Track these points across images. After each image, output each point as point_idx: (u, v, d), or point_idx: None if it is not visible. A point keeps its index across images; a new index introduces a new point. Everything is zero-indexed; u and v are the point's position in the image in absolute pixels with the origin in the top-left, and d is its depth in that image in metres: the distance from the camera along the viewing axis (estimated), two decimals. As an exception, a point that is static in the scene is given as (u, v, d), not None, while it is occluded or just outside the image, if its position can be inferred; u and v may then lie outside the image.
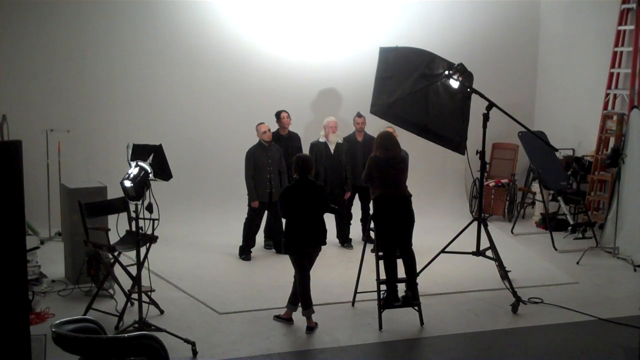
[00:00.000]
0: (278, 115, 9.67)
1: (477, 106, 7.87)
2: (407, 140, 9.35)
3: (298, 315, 6.86)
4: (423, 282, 7.54)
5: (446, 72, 7.65)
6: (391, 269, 6.89)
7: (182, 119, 11.19)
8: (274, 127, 9.66)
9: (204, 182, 11.29)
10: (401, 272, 7.01)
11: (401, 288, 7.03)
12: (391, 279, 6.88)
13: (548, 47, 12.44)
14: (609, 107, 10.97)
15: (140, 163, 6.06)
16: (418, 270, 7.45)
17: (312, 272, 6.86)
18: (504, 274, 7.82)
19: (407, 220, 6.95)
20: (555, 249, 9.79)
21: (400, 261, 7.00)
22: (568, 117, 11.92)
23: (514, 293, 7.40)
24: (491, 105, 7.58)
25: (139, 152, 6.15)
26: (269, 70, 11.42)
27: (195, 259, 9.10)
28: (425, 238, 9.51)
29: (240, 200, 9.36)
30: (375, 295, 6.95)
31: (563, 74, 12.09)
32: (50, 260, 8.57)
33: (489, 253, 7.80)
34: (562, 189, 10.43)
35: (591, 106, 11.32)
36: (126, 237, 7.22)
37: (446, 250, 7.89)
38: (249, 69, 11.37)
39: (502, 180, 11.76)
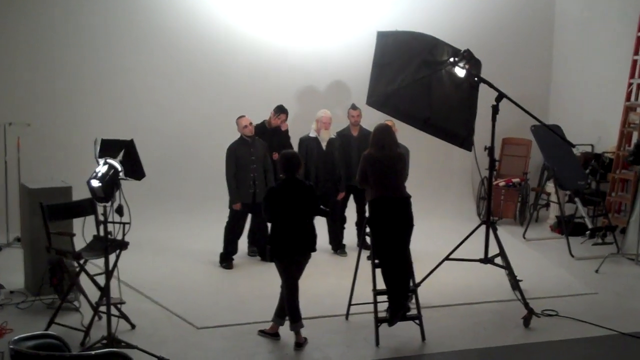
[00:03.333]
0: (278, 110, 9.68)
1: (485, 97, 7.87)
2: (408, 135, 9.36)
3: (285, 330, 6.85)
4: (425, 293, 7.55)
5: (451, 59, 7.65)
6: (391, 278, 6.88)
7: (156, 111, 11.18)
8: (261, 119, 9.65)
9: (182, 181, 11.29)
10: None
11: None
12: (391, 289, 6.87)
13: (564, 32, 12.48)
14: (632, 98, 11.01)
15: (109, 160, 6.05)
16: (420, 280, 7.46)
17: (301, 282, 6.86)
18: (514, 283, 7.83)
19: (404, 224, 6.95)
20: (572, 256, 9.82)
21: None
22: (586, 109, 11.95)
23: (526, 305, 7.41)
24: (501, 96, 7.59)
25: (108, 148, 6.13)
26: (255, 58, 11.42)
27: (170, 267, 9.09)
28: (427, 243, 9.52)
29: (222, 202, 9.35)
30: (371, 308, 6.95)
31: (581, 61, 12.13)
32: (8, 269, 8.55)
33: (499, 260, 7.81)
34: (579, 189, 10.47)
35: (612, 97, 11.36)
36: (93, 243, 7.19)
37: (451, 257, 7.89)
38: (232, 56, 11.38)
39: (513, 180, 11.80)
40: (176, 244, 10.07)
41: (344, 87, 11.61)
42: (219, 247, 9.23)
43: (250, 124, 9.18)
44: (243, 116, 9.23)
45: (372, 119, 9.45)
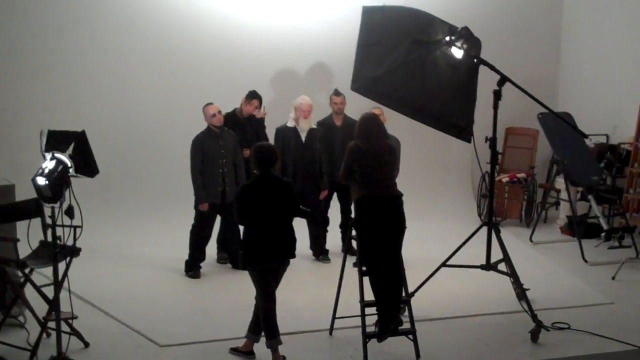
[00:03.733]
0: (250, 96, 9.67)
1: (486, 81, 7.90)
2: (398, 125, 9.38)
3: (261, 348, 6.84)
4: (419, 304, 7.56)
5: (447, 38, 7.66)
6: (381, 288, 6.88)
7: (111, 99, 11.13)
8: (231, 107, 9.63)
9: (141, 179, 11.24)
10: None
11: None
12: (381, 300, 6.86)
13: (575, 7, 12.51)
14: (652, 82, 11.07)
15: (57, 155, 6.01)
16: (413, 289, 7.46)
17: (278, 293, 6.84)
18: (520, 292, 7.85)
19: (395, 226, 6.95)
20: (585, 261, 9.87)
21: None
22: (600, 95, 11.99)
23: (534, 317, 7.43)
24: (504, 79, 7.61)
25: (56, 140, 6.10)
26: (223, 36, 11.40)
27: (129, 277, 9.05)
28: (421, 248, 9.53)
29: (187, 202, 9.33)
30: (358, 321, 6.94)
31: (594, 41, 12.17)
32: (-57, 280, 8.48)
33: (502, 267, 7.83)
34: (593, 185, 10.50)
35: (629, 81, 11.40)
36: (40, 250, 7.16)
37: (448, 263, 7.91)
38: (197, 35, 11.34)
39: (519, 175, 11.83)
40: (135, 251, 10.03)
41: (325, 70, 11.59)
42: (184, 254, 9.20)
43: (219, 112, 9.14)
44: (210, 104, 9.19)
45: (357, 106, 9.45)
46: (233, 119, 9.56)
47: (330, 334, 7.40)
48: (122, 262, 9.59)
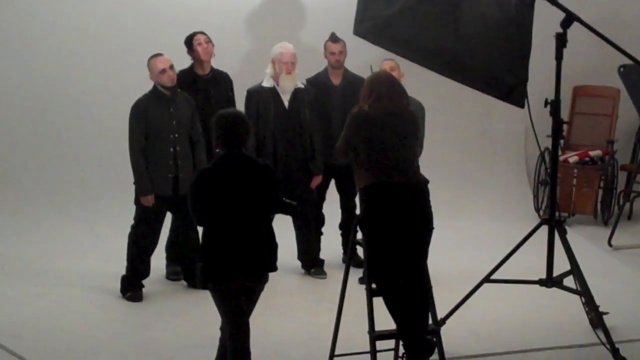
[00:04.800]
0: (189, 41, 9.63)
1: (545, 22, 7.89)
2: (421, 84, 9.41)
3: (229, 399, 6.86)
4: (455, 333, 7.58)
5: (489, -39, 7.67)
6: (403, 310, 6.88)
7: (14, 55, 11.12)
8: (185, 62, 9.64)
9: (60, 164, 11.25)
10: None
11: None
12: (406, 328, 6.86)
13: None
14: None
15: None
16: (444, 315, 7.48)
17: (253, 320, 6.83)
18: (595, 317, 7.86)
19: (419, 226, 6.94)
20: (686, 273, 9.92)
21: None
22: None
23: (615, 352, 7.44)
24: (571, 18, 7.59)
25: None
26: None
27: (43, 301, 9.06)
28: (455, 256, 9.58)
29: (125, 194, 9.37)
30: (367, 359, 6.95)
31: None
32: None
33: (570, 281, 7.84)
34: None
35: None
36: None
37: (493, 277, 7.91)
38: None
39: (592, 153, 11.83)
40: (51, 264, 10.05)
41: (316, 6, 11.59)
42: (121, 267, 9.20)
43: (171, 67, 9.08)
44: (159, 55, 9.13)
45: (363, 56, 9.44)
46: (191, 78, 9.51)
47: (328, 377, 7.43)
48: (33, 279, 9.60)
